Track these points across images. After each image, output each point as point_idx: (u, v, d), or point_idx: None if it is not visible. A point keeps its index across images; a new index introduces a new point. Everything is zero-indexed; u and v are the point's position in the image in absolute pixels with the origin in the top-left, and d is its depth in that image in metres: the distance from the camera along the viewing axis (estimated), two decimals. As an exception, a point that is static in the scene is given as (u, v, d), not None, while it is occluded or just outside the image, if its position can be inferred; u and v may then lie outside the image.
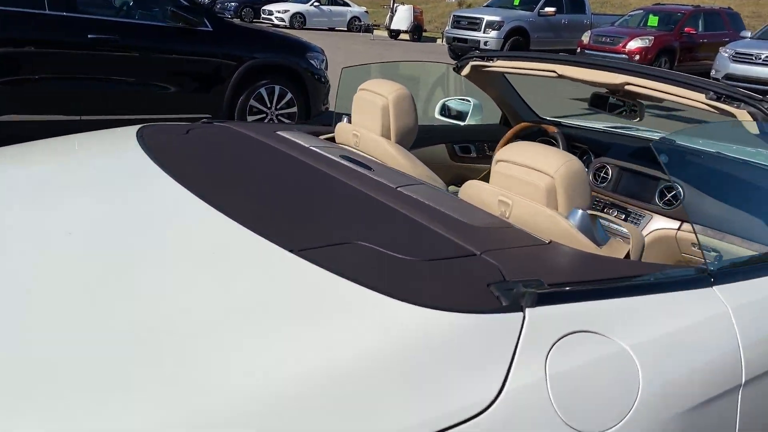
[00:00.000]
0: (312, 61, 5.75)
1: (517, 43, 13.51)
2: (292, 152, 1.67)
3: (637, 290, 1.12)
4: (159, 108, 5.01)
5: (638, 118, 2.12)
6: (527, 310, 0.97)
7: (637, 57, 11.97)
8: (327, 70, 6.06)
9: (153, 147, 1.57)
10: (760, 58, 10.73)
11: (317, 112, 5.91)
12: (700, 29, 13.13)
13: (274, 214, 1.22)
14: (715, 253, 2.18)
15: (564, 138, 2.49)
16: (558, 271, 1.13)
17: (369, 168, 1.59)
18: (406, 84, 2.11)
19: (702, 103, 1.75)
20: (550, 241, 1.26)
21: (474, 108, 3.02)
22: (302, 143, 1.79)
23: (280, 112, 5.65)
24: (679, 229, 2.28)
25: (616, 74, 1.98)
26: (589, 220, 1.33)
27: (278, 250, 1.05)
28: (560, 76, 2.16)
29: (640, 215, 2.38)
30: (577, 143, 2.68)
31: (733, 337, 1.18)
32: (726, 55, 11.27)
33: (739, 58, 11.03)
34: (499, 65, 2.34)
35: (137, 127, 1.80)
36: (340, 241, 1.11)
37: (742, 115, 1.65)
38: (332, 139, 2.20)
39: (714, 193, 2.21)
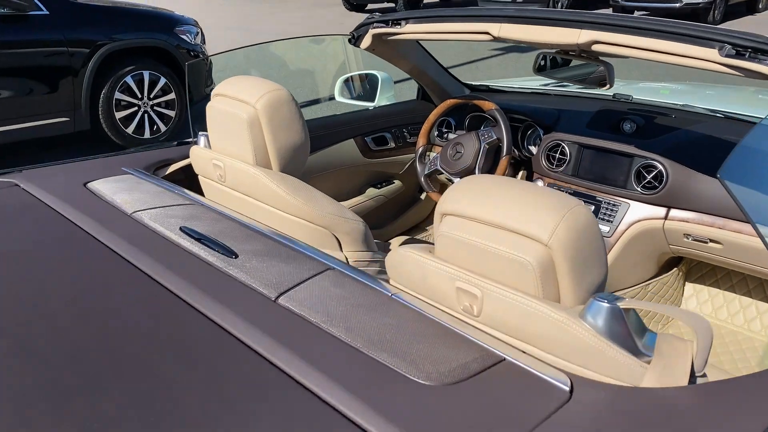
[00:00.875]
0: (183, 36, 4.87)
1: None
2: (99, 233, 1.00)
3: None
4: (-5, 119, 4.04)
5: (608, 85, 1.56)
6: None
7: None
8: (205, 42, 5.19)
9: None
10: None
11: (201, 95, 5.07)
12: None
13: None
14: (718, 245, 1.69)
15: (504, 115, 1.91)
16: None
17: (228, 252, 0.95)
18: (293, 77, 1.44)
19: (715, 63, 1.20)
20: (572, 389, 0.68)
21: (383, 84, 2.38)
22: (122, 206, 1.11)
23: (156, 101, 4.78)
24: (666, 217, 1.77)
25: (578, 30, 1.39)
26: (621, 315, 0.76)
27: None
28: (496, 39, 1.56)
29: (614, 204, 1.86)
30: (517, 116, 2.11)
31: None
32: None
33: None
34: (410, 31, 1.70)
35: None
36: None
37: None
38: (187, 171, 1.52)
39: (706, 167, 1.71)
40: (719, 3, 10.37)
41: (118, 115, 4.59)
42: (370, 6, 13.77)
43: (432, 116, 2.08)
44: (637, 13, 11.38)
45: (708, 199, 1.69)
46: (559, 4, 11.93)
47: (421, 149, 2.09)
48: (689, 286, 2.14)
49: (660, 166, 1.76)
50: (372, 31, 1.80)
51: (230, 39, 10.04)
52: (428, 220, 2.57)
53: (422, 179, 2.07)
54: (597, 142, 1.90)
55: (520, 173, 2.08)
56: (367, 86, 2.45)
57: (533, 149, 2.10)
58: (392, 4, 12.76)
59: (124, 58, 4.55)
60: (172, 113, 4.89)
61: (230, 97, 1.33)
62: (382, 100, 2.41)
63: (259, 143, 1.29)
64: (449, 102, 2.05)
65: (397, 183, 2.34)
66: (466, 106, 2.15)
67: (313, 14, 13.09)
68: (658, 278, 1.99)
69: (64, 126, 4.37)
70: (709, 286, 2.10)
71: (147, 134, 4.78)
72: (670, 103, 2.11)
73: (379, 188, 2.27)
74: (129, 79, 4.58)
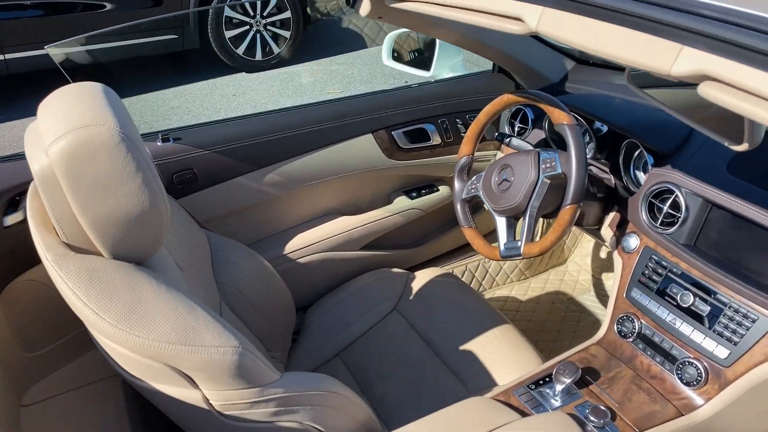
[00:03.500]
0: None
1: None
2: None
3: None
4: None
5: (747, 144, 0.79)
6: None
7: None
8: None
9: None
10: None
11: (317, 16, 4.56)
12: None
13: None
14: None
15: (580, 139, 1.17)
16: None
17: None
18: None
19: None
20: None
21: (442, 47, 1.69)
22: None
23: (270, 20, 4.37)
24: None
25: (677, 45, 0.65)
26: None
27: None
28: (534, 34, 0.85)
29: (747, 315, 1.08)
30: (621, 133, 1.33)
31: None
32: None
33: None
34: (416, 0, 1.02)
35: None
36: None
37: None
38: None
39: None
40: None
41: (228, 34, 4.27)
42: None
43: (482, 116, 1.38)
44: None
45: None
46: None
47: (462, 161, 1.42)
48: None
49: None
50: (370, -11, 1.14)
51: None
52: (488, 237, 1.91)
53: (458, 205, 1.42)
54: (739, 204, 1.09)
55: (611, 216, 1.34)
56: (423, 48, 1.77)
57: (643, 178, 1.33)
58: None
59: (235, -30, 4.17)
60: (286, 34, 4.47)
61: (40, 125, 0.82)
62: (441, 69, 1.73)
63: (63, 212, 0.79)
64: (506, 99, 1.33)
65: (442, 190, 1.70)
66: (531, 110, 1.42)
67: None
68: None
69: (172, 43, 4.16)
70: None
71: (259, 56, 4.44)
72: None
73: (413, 198, 1.65)
74: (239, -6, 4.21)
